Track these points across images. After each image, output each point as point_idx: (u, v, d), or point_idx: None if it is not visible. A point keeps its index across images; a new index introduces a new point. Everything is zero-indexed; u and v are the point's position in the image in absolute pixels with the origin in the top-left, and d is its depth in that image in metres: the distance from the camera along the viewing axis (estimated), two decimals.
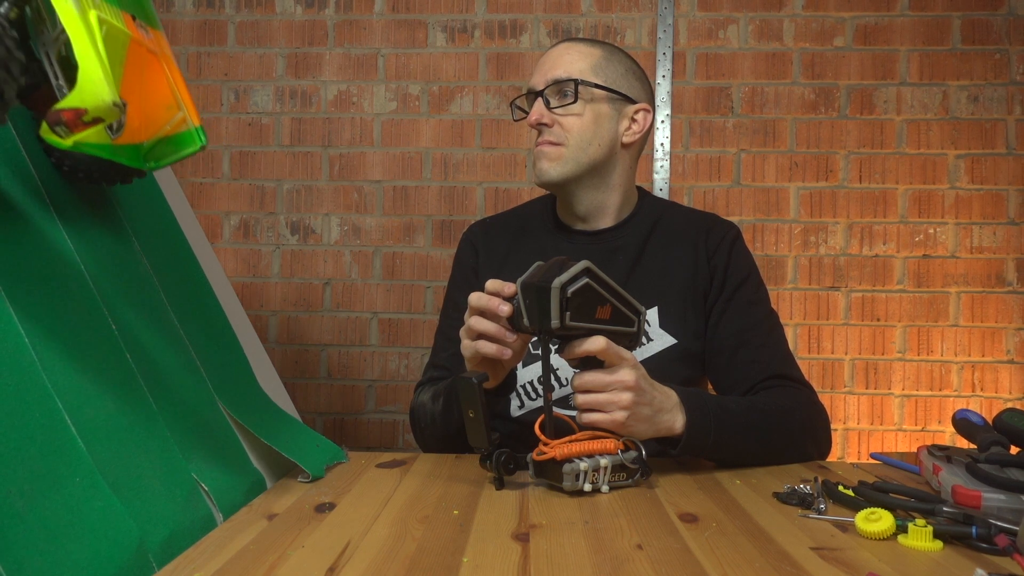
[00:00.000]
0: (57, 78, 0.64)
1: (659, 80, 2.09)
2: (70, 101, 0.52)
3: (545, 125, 1.13)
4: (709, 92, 2.10)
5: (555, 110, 1.13)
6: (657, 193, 2.04)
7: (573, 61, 1.14)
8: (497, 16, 2.13)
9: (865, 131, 2.08)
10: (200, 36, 2.16)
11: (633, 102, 1.16)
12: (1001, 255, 2.05)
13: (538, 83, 1.15)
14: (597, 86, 1.13)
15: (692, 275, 1.16)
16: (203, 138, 0.69)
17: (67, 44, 0.58)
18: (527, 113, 1.18)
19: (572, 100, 1.13)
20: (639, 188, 1.24)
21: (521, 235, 1.24)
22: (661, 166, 2.08)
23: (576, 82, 1.12)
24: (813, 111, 2.09)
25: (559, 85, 1.13)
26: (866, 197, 2.08)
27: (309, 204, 2.15)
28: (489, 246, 1.24)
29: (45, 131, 0.54)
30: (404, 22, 2.14)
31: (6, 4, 0.59)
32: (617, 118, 1.15)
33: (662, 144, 2.08)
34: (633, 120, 1.17)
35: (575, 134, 1.13)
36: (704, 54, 2.11)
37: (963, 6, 2.06)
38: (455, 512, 0.74)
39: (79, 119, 0.53)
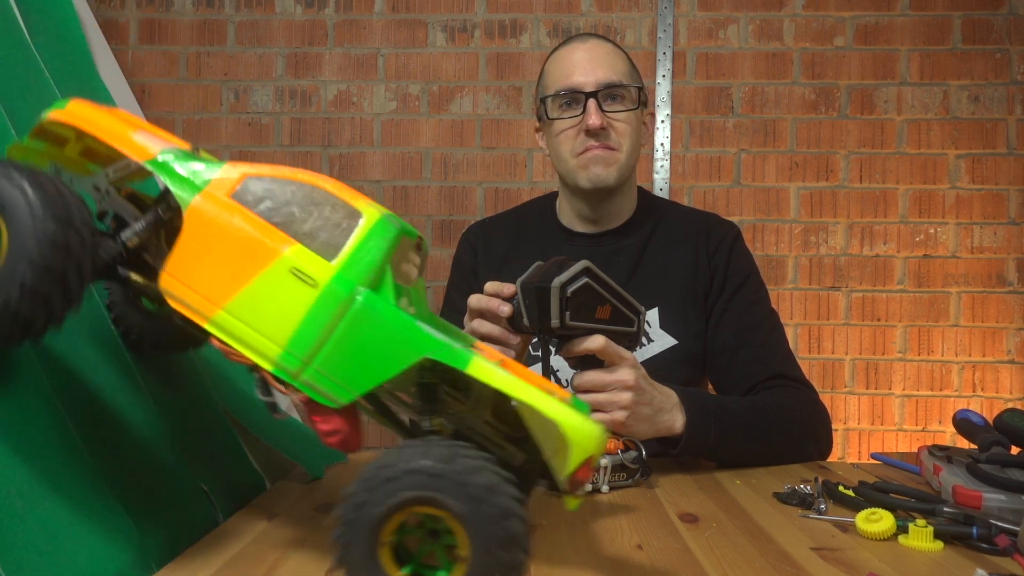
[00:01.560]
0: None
1: (659, 80, 2.09)
2: (575, 460, 0.49)
3: (602, 129, 1.09)
4: (709, 92, 2.10)
5: (612, 114, 1.10)
6: (657, 193, 2.04)
7: (616, 63, 1.12)
8: (497, 16, 2.13)
9: (865, 131, 2.08)
10: (200, 36, 2.16)
11: (647, 106, 1.18)
12: (1002, 255, 2.05)
13: (586, 83, 1.10)
14: (641, 90, 1.13)
15: (692, 276, 1.15)
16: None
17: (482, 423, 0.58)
18: (541, 115, 1.16)
19: (635, 106, 1.11)
20: (639, 188, 1.24)
21: (521, 236, 1.24)
22: (661, 166, 2.08)
23: (640, 88, 1.12)
24: (813, 111, 2.09)
25: (612, 88, 1.10)
26: (866, 197, 2.08)
27: None
28: (489, 247, 1.24)
29: (571, 503, 0.52)
30: (404, 22, 2.14)
31: (425, 421, 0.56)
32: (639, 119, 1.16)
33: (662, 144, 2.08)
34: (644, 124, 1.18)
35: (627, 139, 1.11)
36: (704, 54, 2.11)
37: (963, 6, 2.06)
38: None
39: (590, 467, 0.51)
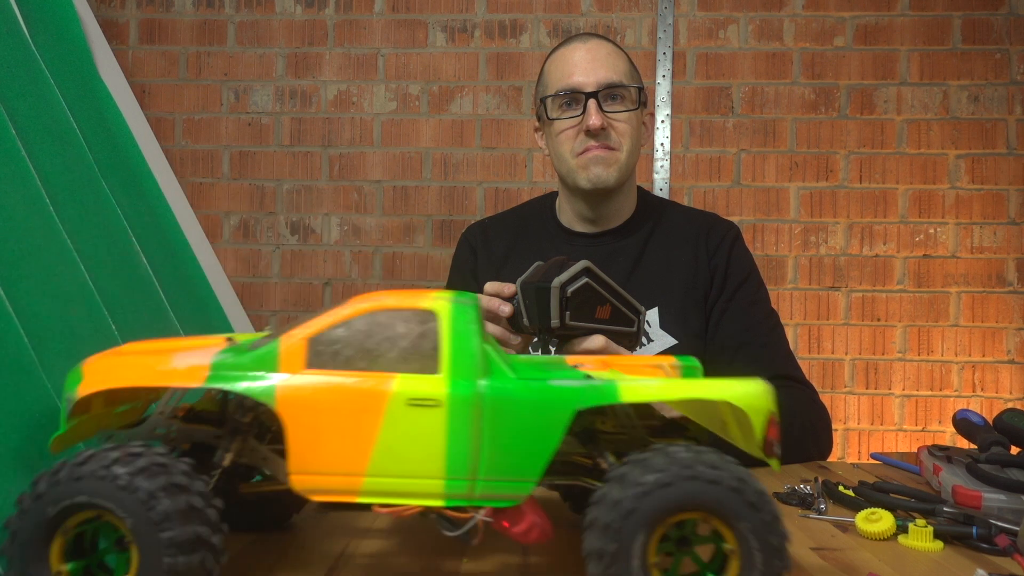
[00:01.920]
0: None
1: (659, 80, 2.09)
2: (759, 424, 0.49)
3: (602, 129, 1.09)
4: (709, 92, 2.10)
5: (612, 114, 1.09)
6: (657, 193, 2.04)
7: (617, 63, 1.12)
8: (497, 16, 2.13)
9: (865, 131, 2.08)
10: (200, 36, 2.16)
11: (647, 106, 1.18)
12: (1002, 255, 2.05)
13: (586, 84, 1.09)
14: (641, 90, 1.13)
15: (692, 275, 1.15)
16: None
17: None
18: (541, 115, 1.15)
19: (635, 106, 1.11)
20: (639, 188, 1.24)
21: (520, 236, 1.23)
22: (661, 166, 2.08)
23: (640, 88, 1.12)
24: (813, 111, 2.09)
25: (613, 89, 1.10)
26: (866, 197, 2.08)
27: (309, 204, 2.15)
28: (488, 247, 1.24)
29: (776, 464, 0.51)
30: (404, 22, 2.14)
31: (603, 461, 0.55)
32: (640, 119, 1.16)
33: (662, 144, 2.08)
34: (644, 124, 1.18)
35: (628, 139, 1.11)
36: (704, 54, 2.11)
37: (963, 6, 2.06)
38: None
39: (775, 423, 0.50)
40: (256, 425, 0.56)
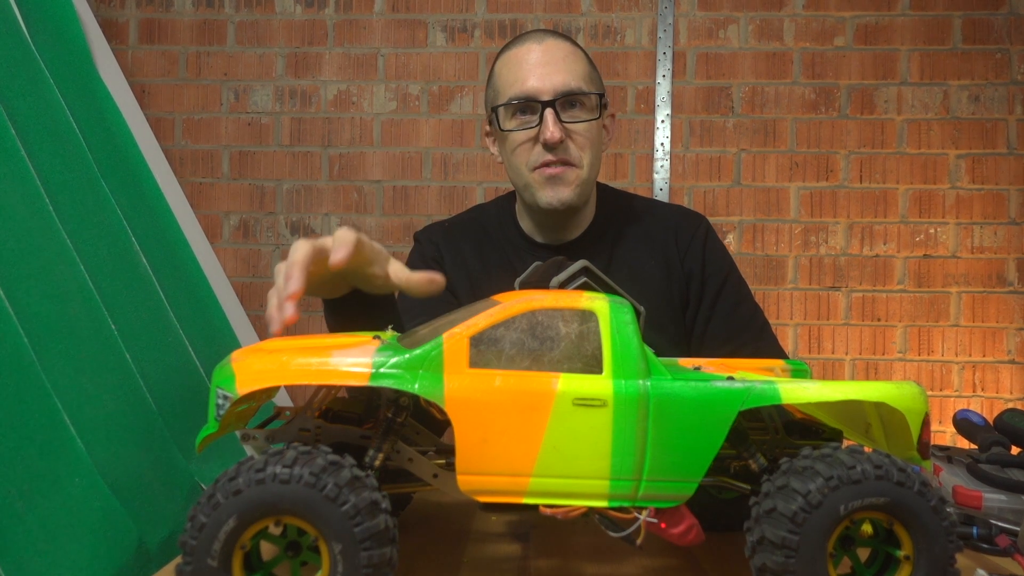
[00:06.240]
0: None
1: (659, 80, 2.09)
2: (916, 425, 0.51)
3: (560, 142, 1.00)
4: (709, 92, 2.10)
5: (572, 124, 1.01)
6: (657, 193, 2.04)
7: (575, 67, 1.02)
8: (497, 16, 2.13)
9: (865, 131, 2.08)
10: (200, 36, 2.16)
11: (607, 108, 1.09)
12: (1002, 255, 2.05)
13: (542, 91, 1.00)
14: (602, 96, 1.04)
15: (666, 279, 1.10)
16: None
17: None
18: (493, 122, 1.06)
19: (595, 115, 1.02)
20: (597, 184, 1.15)
21: (485, 244, 1.15)
22: (661, 166, 2.08)
23: (601, 96, 1.02)
24: (813, 111, 2.09)
25: (571, 96, 1.00)
26: (866, 197, 2.08)
27: (309, 204, 2.15)
28: (453, 249, 1.15)
29: (929, 464, 0.54)
30: (404, 22, 2.14)
31: (754, 463, 0.57)
32: (600, 126, 1.08)
33: (662, 144, 2.08)
34: (604, 127, 1.10)
35: (588, 152, 1.02)
36: (704, 54, 2.11)
37: (964, 5, 2.06)
38: (455, 511, 0.74)
39: (930, 425, 0.53)
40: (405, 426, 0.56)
